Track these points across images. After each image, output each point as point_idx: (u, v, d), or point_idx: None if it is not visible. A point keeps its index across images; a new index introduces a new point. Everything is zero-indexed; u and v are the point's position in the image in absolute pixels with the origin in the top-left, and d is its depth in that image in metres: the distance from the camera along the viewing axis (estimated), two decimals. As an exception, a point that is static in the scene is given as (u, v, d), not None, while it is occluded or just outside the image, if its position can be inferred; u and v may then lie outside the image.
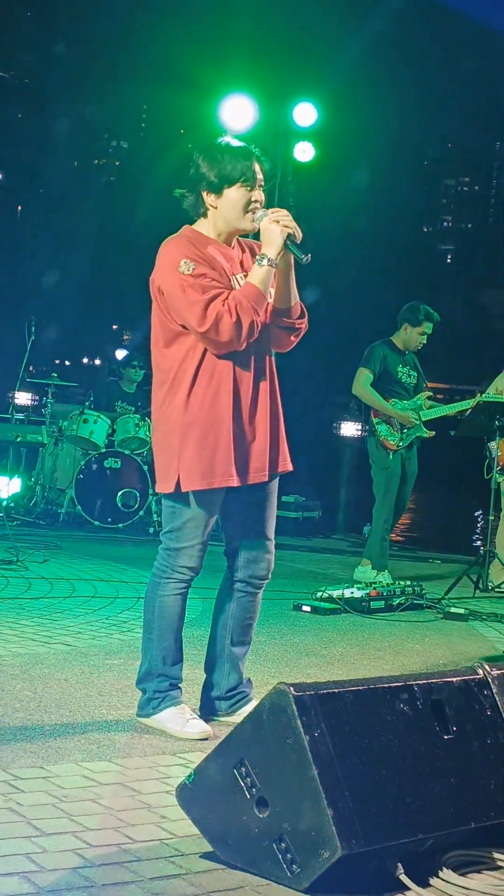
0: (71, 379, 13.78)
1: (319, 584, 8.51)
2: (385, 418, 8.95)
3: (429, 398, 9.10)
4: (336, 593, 7.65)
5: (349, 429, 10.58)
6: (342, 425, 14.57)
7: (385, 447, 8.96)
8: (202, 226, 4.32)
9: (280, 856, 2.79)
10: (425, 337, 9.05)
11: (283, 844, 2.79)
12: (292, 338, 4.39)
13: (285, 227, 4.14)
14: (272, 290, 4.26)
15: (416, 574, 9.66)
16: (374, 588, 7.78)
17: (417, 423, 8.91)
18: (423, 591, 8.07)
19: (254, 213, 4.23)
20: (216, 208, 4.25)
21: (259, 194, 4.24)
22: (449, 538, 11.47)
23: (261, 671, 5.44)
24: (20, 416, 12.70)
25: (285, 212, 4.21)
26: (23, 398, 13.67)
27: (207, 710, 4.50)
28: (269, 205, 4.31)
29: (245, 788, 2.90)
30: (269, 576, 4.48)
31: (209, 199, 4.25)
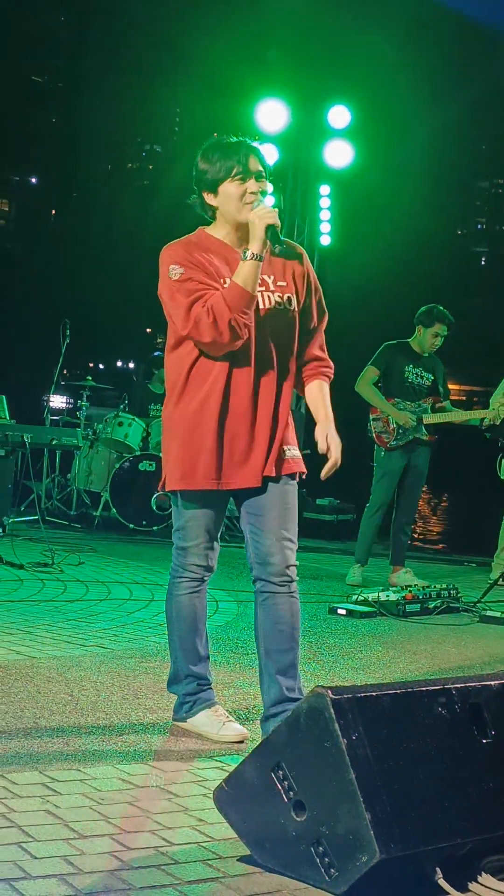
0: (105, 382, 13.79)
1: (355, 587, 8.50)
2: (381, 416, 8.95)
3: (437, 402, 9.06)
4: (372, 596, 7.63)
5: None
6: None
7: (378, 444, 8.98)
8: (214, 228, 4.28)
9: (318, 859, 2.78)
10: (440, 339, 9.01)
11: (320, 848, 2.78)
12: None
13: (261, 217, 4.04)
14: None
15: (452, 577, 9.62)
16: (410, 591, 7.76)
17: (415, 424, 8.88)
18: (459, 595, 8.04)
19: (252, 204, 4.13)
20: (217, 207, 4.21)
21: (254, 185, 4.13)
22: (485, 541, 11.41)
23: (296, 674, 5.43)
24: (55, 419, 12.73)
25: (266, 206, 4.12)
26: (57, 401, 13.69)
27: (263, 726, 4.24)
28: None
29: (282, 792, 2.89)
30: (289, 572, 4.18)
31: (209, 198, 4.21)
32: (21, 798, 3.32)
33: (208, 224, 4.32)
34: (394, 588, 7.98)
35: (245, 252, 4.06)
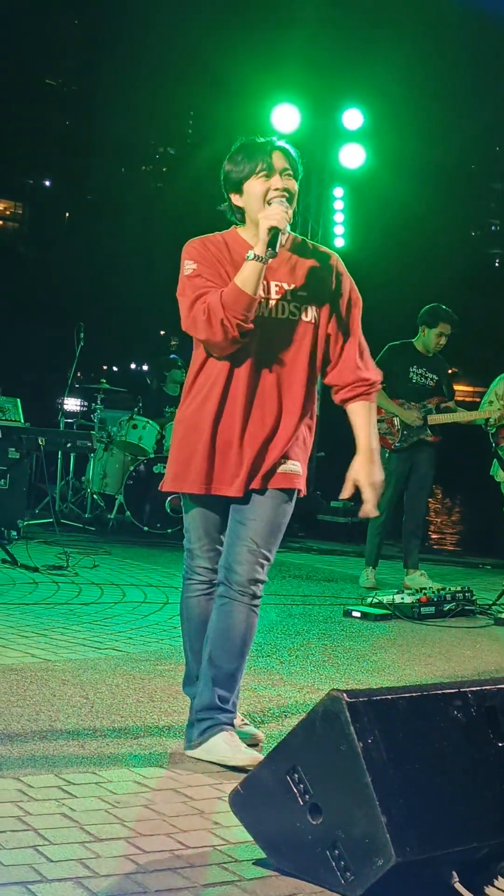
0: (119, 385, 13.80)
1: (369, 589, 8.49)
2: (386, 417, 8.95)
3: (442, 403, 9.05)
4: (386, 599, 7.63)
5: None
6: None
7: (382, 445, 8.98)
8: (244, 229, 4.13)
9: (334, 863, 2.78)
10: (444, 338, 9.02)
11: (336, 851, 2.78)
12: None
13: (266, 217, 3.89)
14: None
15: (466, 580, 9.61)
16: (425, 594, 7.75)
17: (421, 423, 8.89)
18: (474, 597, 8.03)
19: (276, 201, 3.96)
20: (243, 207, 4.07)
21: (278, 181, 3.98)
22: (500, 543, 11.44)
23: (311, 677, 5.44)
24: (69, 421, 12.75)
25: (278, 206, 3.93)
26: (72, 404, 13.70)
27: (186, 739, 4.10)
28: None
29: (298, 795, 2.88)
30: (252, 587, 3.99)
31: (235, 199, 4.08)
32: (36, 801, 3.33)
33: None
34: (408, 591, 7.97)
35: (249, 252, 3.91)
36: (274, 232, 3.87)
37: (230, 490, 4.02)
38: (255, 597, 4.01)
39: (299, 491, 4.13)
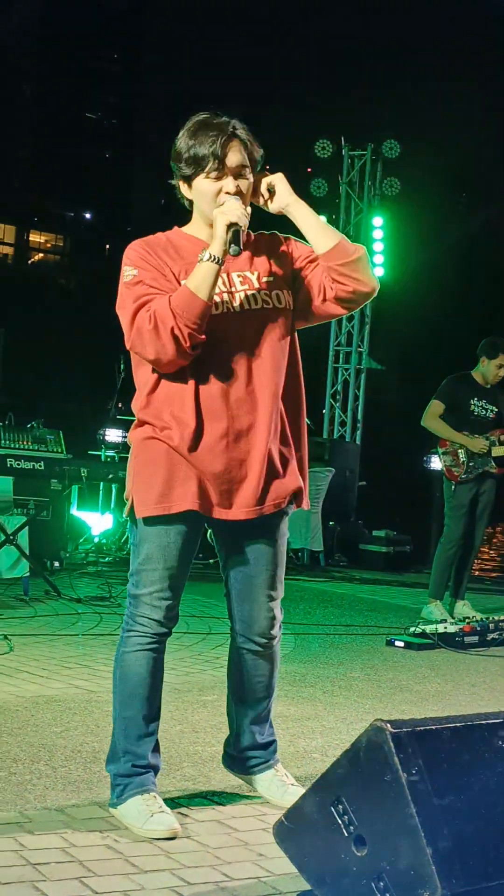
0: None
1: (412, 618, 8.46)
2: (451, 449, 8.92)
3: (503, 435, 9.03)
4: (429, 628, 7.60)
5: (439, 462, 10.31)
6: (432, 459, 14.51)
7: (448, 478, 8.95)
8: (191, 225, 3.69)
9: (379, 895, 2.76)
10: (503, 369, 8.99)
11: (381, 883, 2.76)
12: (348, 287, 3.53)
13: (223, 213, 3.43)
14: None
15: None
16: (468, 623, 7.72)
17: (486, 451, 8.86)
18: (518, 626, 7.99)
19: (233, 198, 3.50)
20: (192, 201, 3.63)
21: (231, 184, 3.49)
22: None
23: (354, 707, 5.41)
24: (111, 453, 12.79)
25: (232, 201, 3.47)
26: (113, 435, 13.73)
27: (227, 763, 3.99)
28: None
29: (343, 826, 2.87)
30: (272, 634, 3.78)
31: (184, 189, 3.62)
32: (81, 833, 3.33)
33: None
34: (452, 620, 7.94)
35: (203, 252, 3.43)
36: (235, 230, 3.42)
37: (246, 512, 3.58)
38: (275, 637, 3.82)
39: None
